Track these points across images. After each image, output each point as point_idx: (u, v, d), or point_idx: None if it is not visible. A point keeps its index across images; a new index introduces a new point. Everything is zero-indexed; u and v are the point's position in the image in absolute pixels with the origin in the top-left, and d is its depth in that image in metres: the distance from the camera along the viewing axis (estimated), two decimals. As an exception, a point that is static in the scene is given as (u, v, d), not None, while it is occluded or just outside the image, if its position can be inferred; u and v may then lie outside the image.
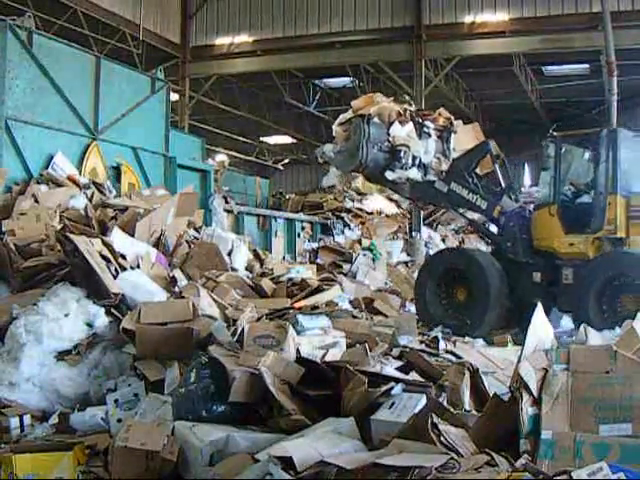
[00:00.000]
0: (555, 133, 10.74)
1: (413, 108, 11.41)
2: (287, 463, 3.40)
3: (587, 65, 21.72)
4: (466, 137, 11.99)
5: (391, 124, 10.70)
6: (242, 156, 32.07)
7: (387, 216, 20.72)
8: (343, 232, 18.94)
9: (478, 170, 11.35)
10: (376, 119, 10.55)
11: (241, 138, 30.21)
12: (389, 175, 10.76)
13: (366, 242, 17.85)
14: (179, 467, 4.13)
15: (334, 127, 10.98)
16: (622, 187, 9.91)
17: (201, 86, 22.83)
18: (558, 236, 10.29)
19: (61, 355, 5.98)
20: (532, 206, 11.04)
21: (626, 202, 9.86)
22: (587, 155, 10.67)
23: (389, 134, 10.66)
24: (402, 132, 10.75)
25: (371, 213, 20.61)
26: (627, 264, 9.55)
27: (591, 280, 9.66)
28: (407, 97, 14.93)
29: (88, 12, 18.35)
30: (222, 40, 21.74)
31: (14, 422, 5.29)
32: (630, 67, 19.24)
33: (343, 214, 19.78)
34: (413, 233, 18.80)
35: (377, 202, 21.47)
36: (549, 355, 3.58)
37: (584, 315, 9.37)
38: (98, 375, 5.96)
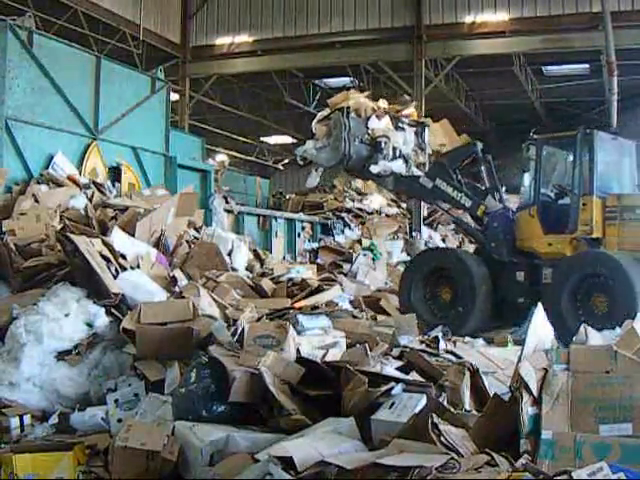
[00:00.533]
0: (536, 136, 10.91)
1: (386, 104, 11.72)
2: (287, 463, 3.40)
3: (587, 65, 21.70)
4: (437, 133, 12.57)
5: (368, 118, 11.00)
6: (242, 156, 32.07)
7: (387, 216, 20.72)
8: (343, 232, 18.94)
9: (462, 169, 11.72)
10: (353, 114, 10.87)
11: (241, 138, 30.20)
12: (373, 169, 11.00)
13: (366, 242, 17.84)
14: (179, 467, 4.13)
15: (313, 125, 11.20)
16: (598, 188, 10.11)
17: (201, 86, 22.82)
18: (538, 236, 10.53)
19: (61, 355, 5.97)
20: (515, 207, 11.29)
21: (602, 203, 10.04)
22: (567, 157, 10.91)
23: (368, 127, 10.97)
24: (380, 124, 11.09)
25: (371, 213, 20.61)
26: (598, 264, 9.73)
27: (564, 279, 9.89)
28: (407, 97, 14.95)
29: (88, 12, 18.35)
30: (222, 40, 21.72)
31: (14, 422, 5.29)
32: (630, 67, 19.22)
33: (343, 214, 19.78)
34: (413, 233, 18.78)
35: (377, 202, 21.47)
36: (549, 355, 3.58)
37: (558, 314, 9.52)
38: (98, 375, 5.96)
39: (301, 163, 11.62)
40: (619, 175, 10.78)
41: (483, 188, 11.26)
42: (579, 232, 10.11)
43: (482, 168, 11.24)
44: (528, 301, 10.32)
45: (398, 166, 11.11)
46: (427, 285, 11.01)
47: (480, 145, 11.31)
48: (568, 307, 9.71)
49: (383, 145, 10.88)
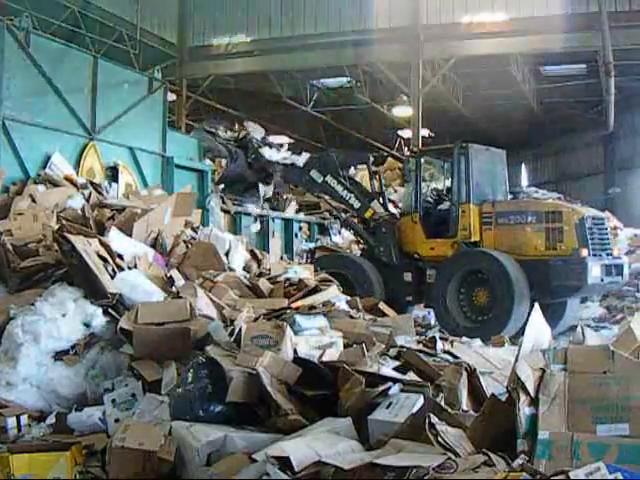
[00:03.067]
0: (415, 149, 12.24)
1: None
2: (284, 463, 3.40)
3: (585, 65, 21.72)
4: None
5: (215, 134, 13.12)
6: (240, 156, 32.01)
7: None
8: (340, 232, 18.90)
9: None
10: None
11: (239, 138, 30.15)
12: (263, 158, 12.69)
13: (364, 242, 17.80)
14: (176, 467, 4.12)
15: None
16: (475, 196, 11.23)
17: (198, 86, 22.80)
18: (421, 241, 11.63)
19: (58, 355, 5.96)
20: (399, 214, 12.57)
21: (479, 210, 11.19)
22: (445, 165, 12.01)
23: (221, 136, 13.09)
24: (227, 133, 13.33)
25: (369, 213, 20.54)
26: (478, 261, 10.89)
27: (449, 277, 10.94)
28: (405, 98, 15.09)
29: (85, 12, 18.33)
30: (219, 40, 21.71)
31: (11, 422, 5.27)
32: (628, 67, 19.26)
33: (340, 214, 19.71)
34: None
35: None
36: (546, 355, 3.58)
37: (445, 307, 10.78)
38: (95, 375, 5.95)
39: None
40: (493, 182, 11.82)
41: (371, 192, 12.34)
42: (459, 237, 11.19)
43: (374, 176, 12.48)
44: (416, 299, 11.67)
45: (281, 153, 12.77)
46: None
47: (372, 158, 12.82)
48: (453, 301, 10.77)
49: (249, 137, 12.64)
